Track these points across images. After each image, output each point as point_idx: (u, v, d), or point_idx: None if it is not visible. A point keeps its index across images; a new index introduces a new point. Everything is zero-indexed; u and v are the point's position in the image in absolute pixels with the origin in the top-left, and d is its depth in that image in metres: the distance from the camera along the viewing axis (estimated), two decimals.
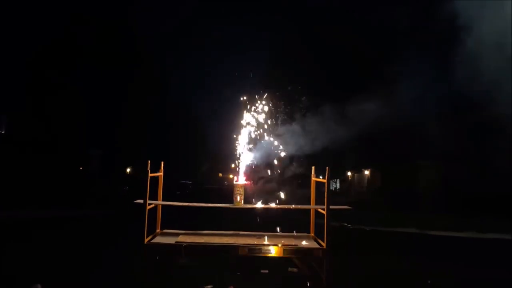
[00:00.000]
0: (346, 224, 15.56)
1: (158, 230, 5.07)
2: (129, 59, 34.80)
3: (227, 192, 5.83)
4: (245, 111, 5.58)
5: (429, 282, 7.13)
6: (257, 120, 5.65)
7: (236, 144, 5.46)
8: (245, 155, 5.38)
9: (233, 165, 5.42)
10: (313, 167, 5.27)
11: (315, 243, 4.67)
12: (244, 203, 4.98)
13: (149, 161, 4.43)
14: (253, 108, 5.65)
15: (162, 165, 5.21)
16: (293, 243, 4.54)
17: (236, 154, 5.45)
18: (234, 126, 5.58)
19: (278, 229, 5.64)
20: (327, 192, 4.39)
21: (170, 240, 4.55)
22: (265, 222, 7.80)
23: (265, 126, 5.69)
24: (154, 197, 4.88)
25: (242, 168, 5.29)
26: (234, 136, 5.51)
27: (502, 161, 23.37)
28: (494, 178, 23.05)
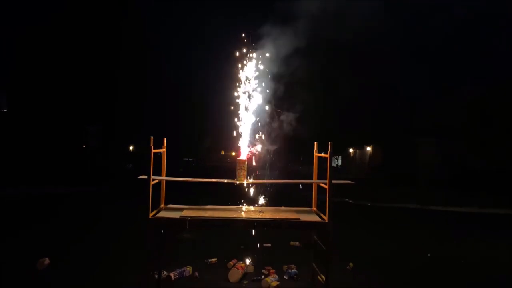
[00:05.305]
0: (347, 199, 15.75)
1: (162, 205, 5.13)
2: (125, 28, 33.91)
3: (230, 169, 5.85)
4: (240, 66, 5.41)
5: (428, 255, 7.28)
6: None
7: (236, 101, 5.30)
8: (245, 126, 5.27)
9: (236, 137, 5.33)
10: (315, 143, 5.27)
11: (317, 217, 4.72)
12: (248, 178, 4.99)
13: (151, 137, 4.43)
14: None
15: (165, 141, 5.22)
16: (295, 217, 4.59)
17: (236, 121, 5.35)
18: (232, 94, 5.43)
19: (280, 204, 5.70)
20: (329, 167, 4.41)
21: (175, 214, 4.60)
22: (267, 198, 7.89)
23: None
24: (157, 173, 4.93)
25: (243, 142, 5.26)
26: (236, 92, 5.34)
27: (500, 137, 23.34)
28: (493, 154, 23.12)
